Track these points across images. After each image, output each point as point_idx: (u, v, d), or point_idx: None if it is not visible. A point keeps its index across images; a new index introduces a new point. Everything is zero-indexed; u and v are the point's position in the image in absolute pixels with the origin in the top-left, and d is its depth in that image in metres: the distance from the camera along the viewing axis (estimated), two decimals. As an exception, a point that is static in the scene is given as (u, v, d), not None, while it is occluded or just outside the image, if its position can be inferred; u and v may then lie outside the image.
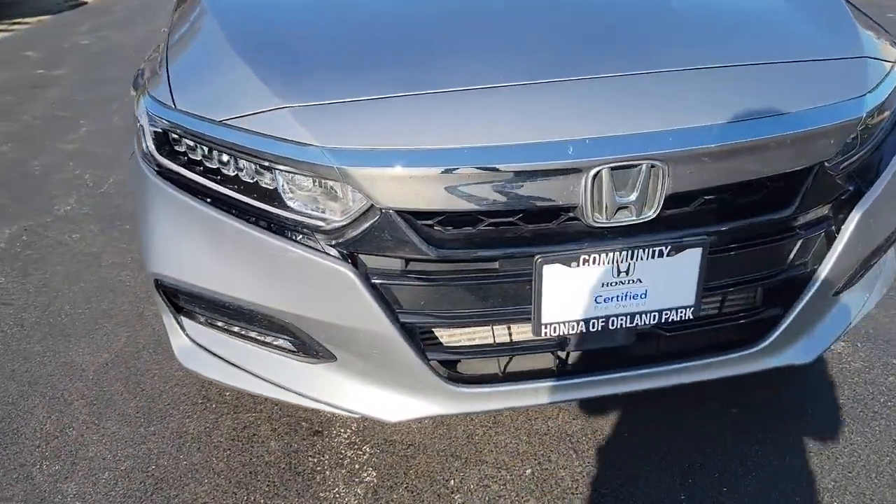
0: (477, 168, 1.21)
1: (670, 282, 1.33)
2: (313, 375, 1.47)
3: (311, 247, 1.29)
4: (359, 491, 1.56)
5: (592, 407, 1.76)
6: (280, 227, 1.32)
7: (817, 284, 1.42)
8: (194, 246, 1.40)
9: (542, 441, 1.67)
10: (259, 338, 1.47)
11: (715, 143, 1.25)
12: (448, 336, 1.42)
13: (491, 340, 1.41)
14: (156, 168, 1.45)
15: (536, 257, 1.26)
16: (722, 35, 1.51)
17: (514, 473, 1.59)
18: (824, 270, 1.42)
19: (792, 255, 1.42)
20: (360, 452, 1.67)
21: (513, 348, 1.40)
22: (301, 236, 1.31)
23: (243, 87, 1.38)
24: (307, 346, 1.41)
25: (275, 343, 1.46)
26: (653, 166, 1.23)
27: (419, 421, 1.67)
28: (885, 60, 1.50)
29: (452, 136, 1.24)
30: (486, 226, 1.29)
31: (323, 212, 1.29)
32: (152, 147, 1.45)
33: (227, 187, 1.35)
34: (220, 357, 1.53)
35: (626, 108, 1.28)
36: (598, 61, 1.37)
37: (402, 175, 1.22)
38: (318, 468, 1.63)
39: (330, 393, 1.47)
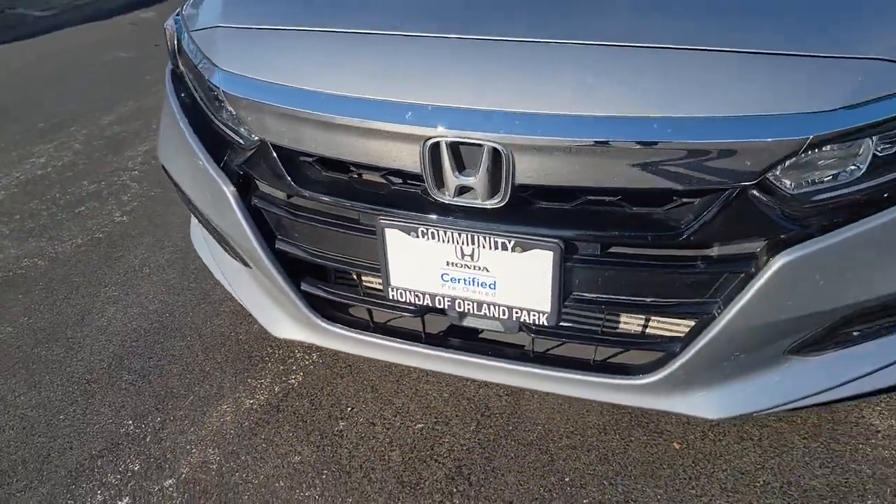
0: (322, 115, 1.21)
1: (523, 281, 1.22)
2: (242, 278, 1.65)
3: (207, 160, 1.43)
4: (276, 389, 1.73)
5: (533, 394, 1.68)
6: (212, 137, 1.47)
7: (717, 329, 1.18)
8: (168, 142, 1.62)
9: (457, 405, 1.66)
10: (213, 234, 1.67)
11: (571, 137, 1.08)
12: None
13: (376, 290, 1.44)
14: (170, 73, 1.68)
15: (379, 218, 1.24)
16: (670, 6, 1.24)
17: (405, 424, 1.62)
18: (723, 320, 1.16)
19: (694, 289, 1.18)
20: (308, 358, 1.83)
21: (371, 300, 1.41)
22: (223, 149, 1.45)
23: (211, 5, 1.52)
24: (231, 250, 1.57)
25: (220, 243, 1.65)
26: (495, 150, 1.12)
27: (301, 344, 1.73)
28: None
29: (329, 80, 1.25)
30: (352, 176, 1.30)
31: (238, 130, 1.41)
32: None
33: (194, 94, 1.53)
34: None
35: (491, 78, 1.16)
36: (521, 21, 1.23)
37: (269, 109, 1.28)
38: (266, 360, 1.83)
39: (248, 296, 1.63)
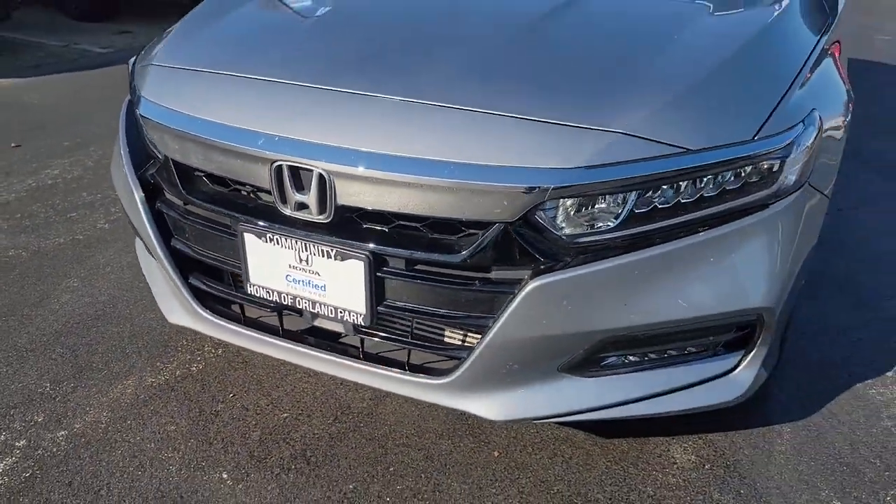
0: (201, 136, 1.53)
1: (344, 285, 1.49)
2: (153, 271, 1.94)
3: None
4: (178, 373, 2.01)
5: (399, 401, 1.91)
6: (140, 153, 1.80)
7: (486, 341, 1.43)
8: (114, 156, 1.95)
9: (324, 402, 1.91)
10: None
11: (377, 170, 1.37)
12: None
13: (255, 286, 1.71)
14: (126, 101, 2.03)
15: (240, 224, 1.54)
16: (510, 78, 1.53)
17: (273, 412, 1.88)
18: (491, 332, 1.41)
19: (475, 305, 1.43)
20: (213, 351, 2.11)
21: (239, 297, 1.68)
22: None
23: (153, 48, 1.88)
24: (145, 246, 1.88)
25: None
26: (321, 175, 1.41)
27: (193, 331, 1.91)
28: (655, 141, 1.37)
29: (212, 110, 1.57)
30: (228, 188, 1.61)
31: (154, 147, 1.73)
32: None
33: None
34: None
35: (327, 119, 1.46)
36: (364, 78, 1.54)
37: (166, 130, 1.61)
38: (178, 350, 2.12)
39: (155, 286, 1.92)
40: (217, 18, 1.97)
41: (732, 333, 1.55)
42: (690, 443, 1.81)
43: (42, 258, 2.66)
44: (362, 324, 1.52)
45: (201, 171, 1.62)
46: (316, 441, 1.78)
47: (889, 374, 2.11)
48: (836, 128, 1.74)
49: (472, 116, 1.41)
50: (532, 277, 1.38)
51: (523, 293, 1.37)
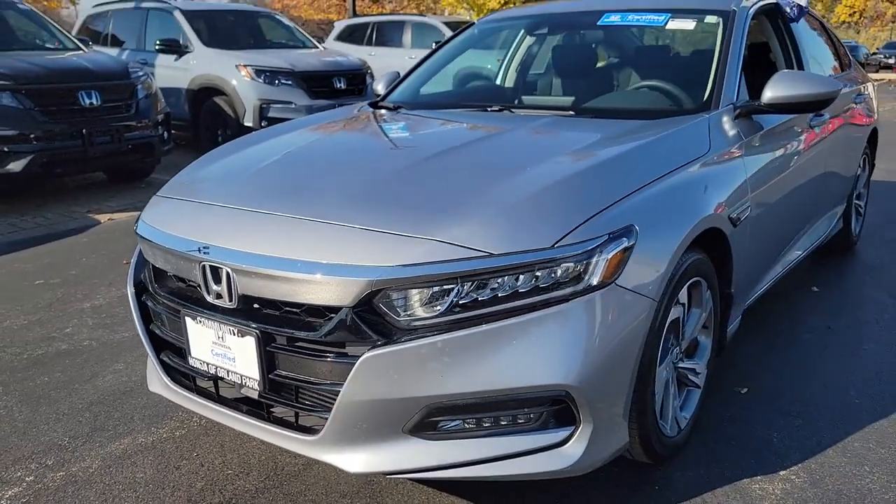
0: (157, 243, 2.10)
1: (245, 357, 1.94)
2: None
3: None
4: (165, 435, 2.49)
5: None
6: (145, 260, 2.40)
7: (335, 406, 1.79)
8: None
9: (267, 462, 2.30)
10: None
11: (253, 266, 1.85)
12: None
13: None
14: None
15: (182, 309, 2.05)
16: (370, 201, 1.99)
17: (223, 469, 2.30)
18: (339, 397, 1.78)
19: (331, 374, 1.82)
20: (204, 417, 2.58)
21: (184, 370, 2.16)
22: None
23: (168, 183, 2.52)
24: (141, 330, 2.43)
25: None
26: (228, 272, 1.90)
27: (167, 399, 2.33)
28: (464, 247, 1.76)
29: (170, 225, 2.14)
30: (180, 284, 2.13)
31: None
32: None
33: None
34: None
35: (235, 230, 1.97)
36: (269, 202, 2.06)
37: (142, 240, 2.18)
38: (176, 414, 2.61)
39: (149, 361, 2.45)
40: (205, 163, 2.60)
41: (547, 407, 1.82)
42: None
43: (106, 347, 3.32)
44: (258, 389, 1.94)
45: (164, 271, 2.18)
46: (243, 493, 2.17)
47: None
48: (667, 240, 2.02)
49: (329, 227, 1.88)
50: (365, 351, 1.76)
51: (357, 363, 1.75)
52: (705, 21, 3.04)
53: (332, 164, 2.36)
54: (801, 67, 3.39)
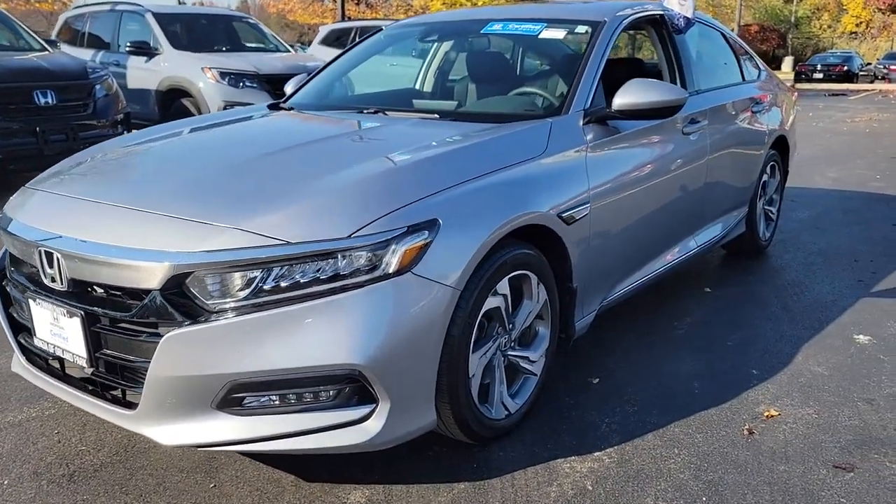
0: (12, 231, 2.26)
1: (75, 336, 2.10)
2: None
3: None
4: (34, 413, 2.65)
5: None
6: None
7: (146, 382, 1.95)
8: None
9: (120, 440, 2.46)
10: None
11: (75, 250, 2.02)
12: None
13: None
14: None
15: (27, 292, 2.21)
16: (204, 193, 2.17)
17: (78, 444, 2.45)
18: (148, 374, 1.94)
19: (145, 352, 1.97)
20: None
21: (36, 351, 2.31)
22: None
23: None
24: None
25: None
26: (58, 257, 2.06)
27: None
28: (264, 235, 1.93)
29: (27, 216, 2.31)
30: (29, 269, 2.30)
31: (9, 242, 2.49)
32: None
33: None
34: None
35: (70, 219, 2.14)
36: (109, 193, 2.24)
37: (3, 231, 2.35)
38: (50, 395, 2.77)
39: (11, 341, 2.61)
40: (79, 157, 2.77)
41: (345, 385, 1.98)
42: (369, 490, 2.18)
43: None
44: (85, 366, 2.10)
45: (18, 256, 2.34)
46: (88, 467, 2.33)
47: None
48: (473, 234, 2.17)
49: (148, 216, 2.06)
50: (168, 331, 1.92)
51: (161, 341, 1.91)
52: (576, 31, 3.20)
53: (181, 159, 2.54)
54: (681, 77, 3.54)
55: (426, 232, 2.05)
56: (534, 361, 2.57)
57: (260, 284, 1.93)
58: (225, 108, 8.09)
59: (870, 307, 3.70)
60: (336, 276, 1.95)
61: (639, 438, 2.47)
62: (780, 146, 4.69)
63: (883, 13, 29.55)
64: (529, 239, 2.46)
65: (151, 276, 1.94)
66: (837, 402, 2.70)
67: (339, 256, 1.95)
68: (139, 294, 2.00)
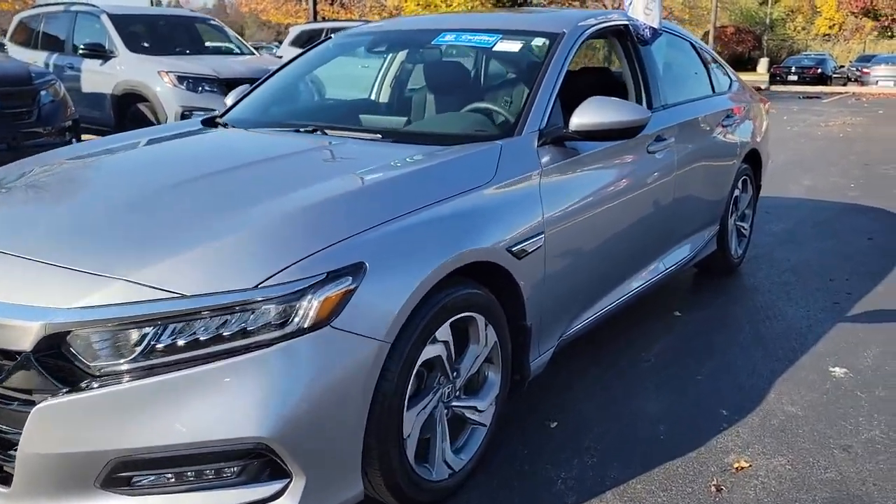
0: None
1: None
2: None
3: None
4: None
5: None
6: None
7: (18, 457, 1.67)
8: None
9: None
10: None
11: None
12: None
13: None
14: None
15: None
16: (90, 235, 1.90)
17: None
18: (20, 448, 1.66)
19: (17, 422, 1.69)
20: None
21: None
22: None
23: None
24: None
25: None
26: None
27: None
28: (156, 288, 1.66)
29: None
30: None
31: None
32: None
33: None
34: None
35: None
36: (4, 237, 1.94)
37: None
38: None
39: None
40: None
41: (251, 460, 1.72)
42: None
43: None
44: (-40, 435, 1.82)
45: None
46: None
47: None
48: (407, 277, 1.91)
49: (21, 264, 1.79)
50: (40, 400, 1.65)
51: (31, 413, 1.64)
52: (532, 44, 2.96)
53: (75, 192, 2.28)
54: (647, 92, 3.31)
55: (349, 278, 1.80)
56: (482, 411, 2.33)
57: (152, 344, 1.66)
58: (183, 114, 7.77)
59: (845, 334, 3.51)
60: (242, 333, 1.69)
61: (597, 498, 2.23)
62: (753, 160, 4.50)
63: (855, 16, 29.74)
64: (476, 276, 2.22)
65: (22, 335, 1.66)
66: (812, 450, 2.49)
67: (245, 310, 1.69)
68: (11, 355, 1.73)
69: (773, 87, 26.12)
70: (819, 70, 28.27)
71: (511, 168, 2.41)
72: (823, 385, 2.98)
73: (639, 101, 3.32)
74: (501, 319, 2.33)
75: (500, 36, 3.00)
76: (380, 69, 3.63)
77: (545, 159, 2.55)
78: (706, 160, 3.76)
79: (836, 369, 3.11)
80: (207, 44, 9.70)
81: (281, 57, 10.99)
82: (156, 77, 7.85)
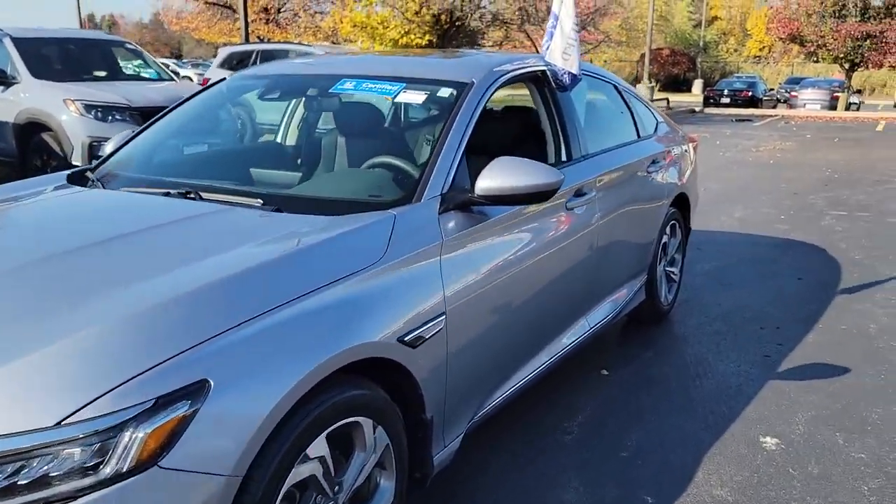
0: None
1: None
2: None
3: None
4: None
5: None
6: None
7: None
8: None
9: None
10: None
11: None
12: None
13: None
14: None
15: None
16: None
17: None
18: None
19: None
20: None
21: None
22: None
23: None
24: None
25: None
26: None
27: None
28: None
29: None
30: None
31: None
32: None
33: None
34: None
35: None
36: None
37: None
38: None
39: None
40: None
41: None
42: None
43: None
44: None
45: None
46: None
47: None
48: (267, 391, 1.60)
49: None
50: None
51: None
52: (438, 94, 2.70)
53: None
54: (566, 142, 3.09)
55: (186, 402, 1.47)
56: (370, 525, 2.03)
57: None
58: (91, 145, 7.27)
59: (776, 395, 3.33)
60: (43, 482, 1.35)
61: None
62: (681, 203, 4.34)
63: (783, 42, 30.85)
64: (363, 370, 1.92)
65: None
66: (742, 547, 2.27)
67: (44, 455, 1.35)
68: None
69: (707, 110, 26.71)
70: (750, 93, 29.08)
71: (406, 242, 2.13)
72: (754, 460, 2.77)
73: (557, 153, 3.10)
74: (394, 417, 2.03)
75: (404, 85, 2.72)
76: (283, 115, 3.31)
77: (449, 227, 2.28)
78: (632, 210, 3.56)
79: (768, 440, 2.92)
80: (127, 69, 9.21)
81: (209, 79, 10.50)
82: (61, 105, 7.33)
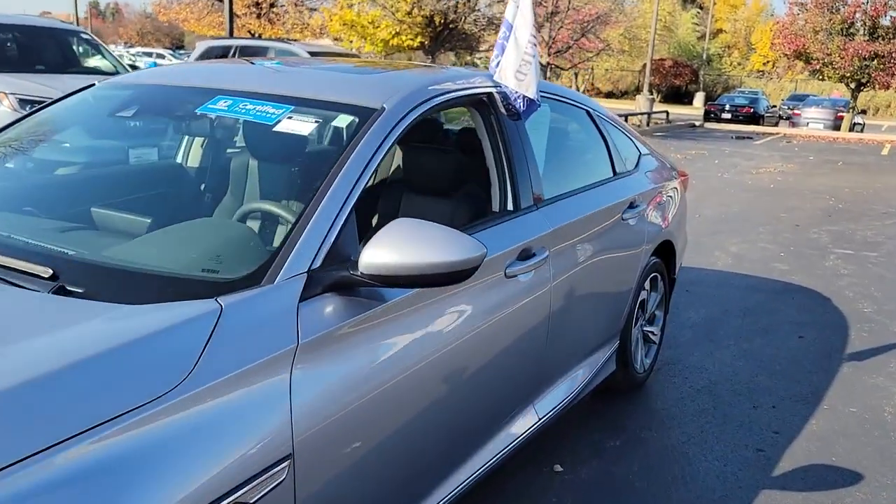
0: None
1: None
2: None
3: None
4: None
5: None
6: None
7: None
8: None
9: None
10: None
11: None
12: None
13: None
14: None
15: None
16: None
17: None
18: None
19: None
20: None
21: None
22: None
23: None
24: None
25: None
26: None
27: None
28: None
29: None
30: None
31: None
32: None
33: None
34: None
35: None
36: None
37: None
38: None
39: None
40: None
41: None
42: None
43: None
44: None
45: None
46: None
47: None
48: None
49: None
50: None
51: None
52: (334, 124, 2.02)
53: None
54: (512, 183, 2.41)
55: None
56: None
57: None
58: (23, 145, 6.59)
59: (770, 512, 2.67)
60: None
61: None
62: (665, 251, 3.67)
63: (788, 58, 30.19)
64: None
65: None
66: None
67: None
68: None
69: (708, 125, 26.07)
70: (752, 109, 28.43)
71: (234, 351, 1.43)
72: None
73: (503, 200, 2.41)
74: None
75: (290, 108, 2.03)
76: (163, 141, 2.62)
77: (314, 320, 1.59)
78: (599, 264, 2.86)
79: (757, 589, 2.25)
80: (83, 61, 8.53)
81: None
82: (-6, 99, 6.67)
